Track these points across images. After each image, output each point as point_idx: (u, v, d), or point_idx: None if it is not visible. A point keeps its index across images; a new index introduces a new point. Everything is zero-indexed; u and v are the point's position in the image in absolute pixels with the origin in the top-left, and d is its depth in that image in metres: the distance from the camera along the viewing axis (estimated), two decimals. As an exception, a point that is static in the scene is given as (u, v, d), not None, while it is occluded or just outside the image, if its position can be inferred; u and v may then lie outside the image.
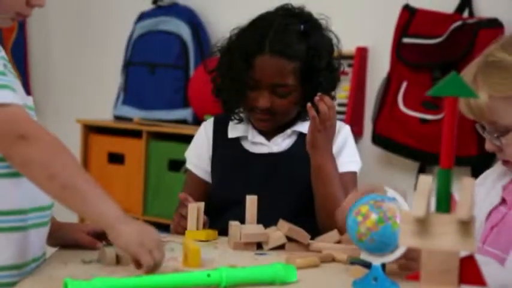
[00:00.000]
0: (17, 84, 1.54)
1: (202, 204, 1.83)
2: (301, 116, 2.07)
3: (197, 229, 1.79)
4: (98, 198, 1.42)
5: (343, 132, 2.10)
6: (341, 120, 3.14)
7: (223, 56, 2.08)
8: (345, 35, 3.30)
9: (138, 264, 1.38)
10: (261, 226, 1.77)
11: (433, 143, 2.97)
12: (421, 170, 3.14)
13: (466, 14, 3.06)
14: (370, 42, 3.37)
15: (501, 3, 3.01)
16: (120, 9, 4.08)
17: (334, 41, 2.08)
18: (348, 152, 2.10)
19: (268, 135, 2.09)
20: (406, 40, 3.12)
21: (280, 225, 1.74)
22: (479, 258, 1.39)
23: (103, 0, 4.19)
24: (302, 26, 2.01)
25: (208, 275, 1.33)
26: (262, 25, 2.02)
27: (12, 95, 1.44)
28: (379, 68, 3.30)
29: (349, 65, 3.33)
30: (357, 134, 3.28)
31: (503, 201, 1.64)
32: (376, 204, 1.38)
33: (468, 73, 1.62)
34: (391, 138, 3.08)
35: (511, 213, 1.59)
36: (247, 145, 2.09)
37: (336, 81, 2.10)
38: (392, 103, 3.10)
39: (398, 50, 3.13)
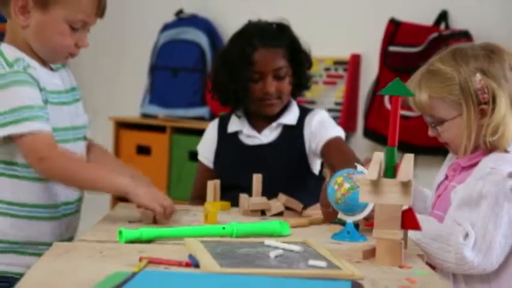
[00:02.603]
0: (58, 109, 1.80)
1: (218, 182, 2.09)
2: (286, 106, 2.34)
3: (214, 201, 2.05)
4: (107, 176, 1.75)
5: (318, 116, 2.34)
6: (336, 118, 3.46)
7: (219, 68, 2.35)
8: (341, 44, 3.65)
9: (155, 220, 1.73)
10: (264, 198, 2.04)
11: (413, 135, 3.15)
12: None
13: (443, 26, 3.26)
14: (362, 50, 3.55)
15: (472, 18, 3.21)
16: (147, 20, 4.18)
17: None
18: (327, 125, 2.33)
19: (259, 128, 2.35)
20: (391, 48, 3.32)
21: (280, 197, 2.03)
22: (421, 217, 1.71)
23: (133, 13, 4.28)
24: (275, 25, 2.35)
25: (224, 228, 1.61)
26: (243, 32, 2.34)
27: (40, 124, 1.69)
28: (369, 72, 3.49)
29: (344, 70, 3.55)
30: (351, 128, 3.52)
31: (446, 176, 1.92)
32: (349, 176, 1.68)
33: (415, 77, 1.90)
34: (379, 132, 3.25)
35: (450, 184, 1.87)
36: (243, 138, 2.35)
37: (311, 62, 2.40)
38: (380, 102, 3.31)
39: (385, 57, 3.33)
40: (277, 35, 2.33)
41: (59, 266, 1.31)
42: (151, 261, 1.35)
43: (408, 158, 1.49)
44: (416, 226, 1.46)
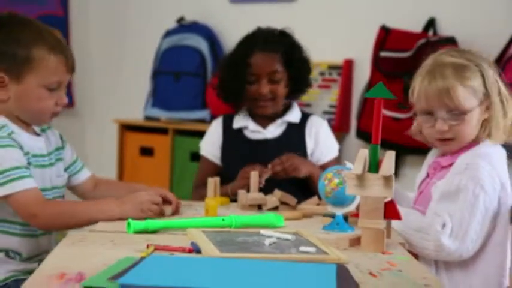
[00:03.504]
0: (41, 172, 1.87)
1: (218, 179, 2.17)
2: (289, 106, 2.46)
3: (214, 196, 2.11)
4: (93, 207, 1.78)
5: (320, 123, 2.47)
6: (330, 120, 3.55)
7: (223, 68, 2.48)
8: (335, 49, 3.71)
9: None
10: (261, 193, 2.14)
11: (404, 137, 3.18)
12: (396, 159, 3.41)
13: (431, 32, 3.29)
14: (355, 55, 3.59)
15: (458, 25, 3.25)
16: (150, 27, 4.24)
17: (302, 45, 2.49)
18: (328, 144, 2.47)
19: (264, 125, 2.46)
20: (382, 54, 3.34)
21: (275, 193, 2.12)
22: (406, 210, 1.84)
23: (136, 19, 4.35)
24: (277, 31, 2.46)
25: (223, 219, 1.72)
26: (248, 37, 2.46)
27: (29, 182, 1.76)
28: (362, 76, 3.53)
29: (338, 74, 3.61)
30: (345, 130, 3.59)
31: (428, 174, 2.03)
32: (338, 172, 1.79)
33: (424, 67, 1.93)
34: (369, 132, 3.29)
35: (431, 181, 1.97)
36: (248, 133, 2.47)
37: (309, 68, 2.49)
38: (372, 105, 3.39)
39: (377, 62, 3.36)
40: (276, 41, 2.43)
41: (74, 252, 1.43)
42: (158, 248, 1.46)
43: (390, 155, 1.60)
44: (397, 216, 1.58)
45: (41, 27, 1.88)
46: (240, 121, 2.50)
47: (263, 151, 2.40)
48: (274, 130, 2.48)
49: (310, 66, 2.51)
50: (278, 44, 2.43)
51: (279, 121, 2.47)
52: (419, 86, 1.93)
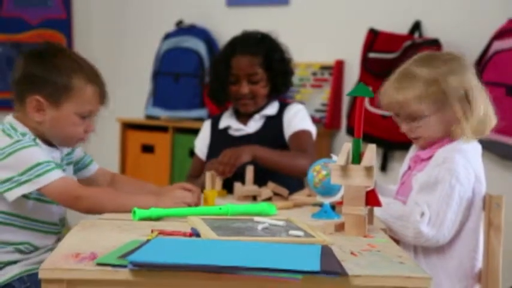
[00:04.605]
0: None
1: (215, 173, 2.30)
2: (268, 101, 2.57)
3: (212, 188, 2.24)
4: (132, 200, 1.86)
5: (295, 108, 2.58)
6: (322, 118, 3.65)
7: (210, 69, 2.63)
8: (326, 50, 3.79)
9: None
10: (256, 186, 2.29)
11: (392, 133, 3.24)
12: (385, 154, 3.47)
13: (416, 35, 3.37)
14: (345, 56, 3.66)
15: (442, 28, 3.33)
16: (150, 30, 4.30)
17: (285, 47, 2.61)
18: (299, 118, 2.56)
19: (245, 121, 2.59)
20: (371, 55, 3.42)
21: (268, 185, 2.26)
22: (388, 200, 1.97)
23: (137, 23, 4.41)
24: (260, 35, 2.58)
25: (220, 208, 1.85)
26: (232, 40, 2.59)
27: (60, 172, 1.86)
28: (352, 76, 3.62)
29: (330, 74, 3.68)
30: (336, 127, 3.67)
31: (409, 167, 2.14)
32: (325, 164, 1.92)
33: (393, 80, 2.06)
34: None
35: (411, 174, 2.09)
36: (232, 132, 2.61)
37: (290, 69, 2.60)
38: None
39: (366, 63, 3.44)
40: (256, 45, 2.56)
41: (86, 236, 1.55)
42: (161, 233, 1.59)
43: (371, 148, 1.72)
44: (377, 203, 1.70)
45: (79, 58, 1.99)
46: (225, 121, 2.64)
47: (244, 145, 2.45)
48: (254, 125, 2.61)
49: (292, 67, 2.64)
50: (258, 47, 2.55)
51: (257, 116, 2.60)
52: (384, 93, 2.07)
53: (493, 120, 2.04)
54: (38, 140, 1.95)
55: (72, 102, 1.93)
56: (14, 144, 1.88)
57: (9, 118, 1.98)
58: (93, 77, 1.98)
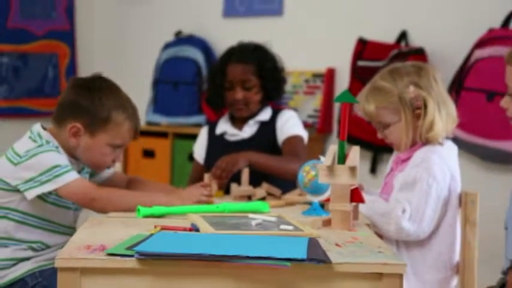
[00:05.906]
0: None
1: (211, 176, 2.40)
2: (262, 107, 2.67)
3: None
4: (146, 199, 1.96)
5: (287, 114, 2.68)
6: (315, 123, 3.74)
7: (209, 77, 2.74)
8: (318, 59, 3.86)
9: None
10: (251, 186, 2.39)
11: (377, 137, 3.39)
12: (374, 157, 3.55)
13: (403, 44, 3.45)
14: (336, 64, 3.74)
15: (427, 37, 3.41)
16: (150, 40, 4.36)
17: (277, 57, 2.73)
18: (291, 124, 2.66)
19: (240, 126, 2.70)
20: (360, 63, 3.50)
21: (262, 185, 2.37)
22: (372, 198, 2.09)
23: (137, 33, 4.48)
24: (253, 45, 2.71)
25: (217, 207, 1.97)
26: (228, 50, 2.71)
27: (75, 174, 1.99)
28: (342, 83, 3.68)
29: (321, 81, 3.75)
30: (327, 131, 3.75)
31: (392, 168, 2.27)
32: (314, 165, 2.03)
33: (363, 93, 2.22)
34: (350, 134, 3.38)
35: (393, 174, 2.22)
36: (228, 137, 2.72)
37: (282, 77, 2.71)
38: (351, 109, 3.53)
39: (355, 70, 3.51)
40: (250, 54, 2.68)
41: (95, 232, 1.68)
42: (163, 228, 1.70)
43: (355, 149, 1.84)
44: (361, 200, 1.81)
45: (124, 97, 2.12)
46: (221, 126, 2.75)
47: (240, 150, 2.56)
48: (249, 130, 2.72)
49: (283, 75, 2.76)
50: (251, 56, 2.68)
51: (251, 122, 2.71)
52: (358, 104, 2.24)
53: (455, 120, 2.17)
54: (60, 149, 2.07)
55: (108, 134, 2.06)
56: (37, 148, 2.01)
57: (38, 128, 2.10)
58: (132, 116, 2.10)
